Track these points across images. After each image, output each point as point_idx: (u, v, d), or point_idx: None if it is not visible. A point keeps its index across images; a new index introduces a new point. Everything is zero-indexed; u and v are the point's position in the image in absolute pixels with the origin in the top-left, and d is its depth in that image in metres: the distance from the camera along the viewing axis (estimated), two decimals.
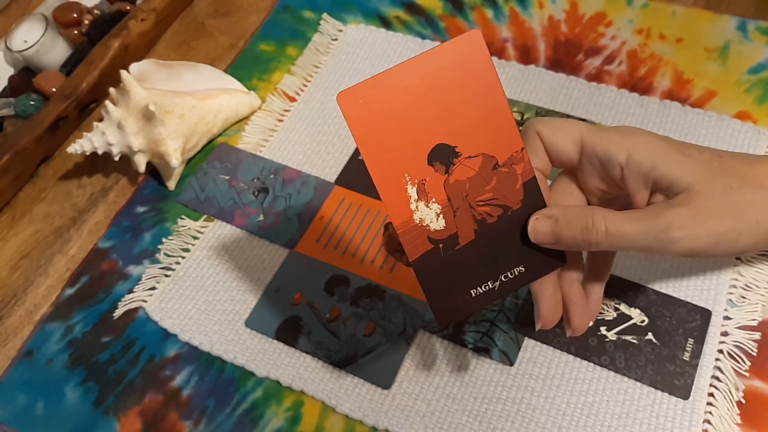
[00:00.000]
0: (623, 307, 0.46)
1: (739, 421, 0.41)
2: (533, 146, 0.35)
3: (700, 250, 0.32)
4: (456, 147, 0.32)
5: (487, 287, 0.34)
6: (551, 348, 0.45)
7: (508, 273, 0.34)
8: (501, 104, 0.31)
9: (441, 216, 0.33)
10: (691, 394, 0.42)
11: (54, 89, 0.60)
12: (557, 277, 0.36)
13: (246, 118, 0.61)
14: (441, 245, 0.33)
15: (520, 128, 0.34)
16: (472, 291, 0.34)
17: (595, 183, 0.35)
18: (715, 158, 0.33)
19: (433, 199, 0.32)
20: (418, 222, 0.32)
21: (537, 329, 0.36)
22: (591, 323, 0.42)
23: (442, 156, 0.32)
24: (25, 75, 0.64)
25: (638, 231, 0.32)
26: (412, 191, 0.32)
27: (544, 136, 0.35)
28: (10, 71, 0.66)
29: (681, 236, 0.31)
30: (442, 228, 0.33)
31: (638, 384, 0.43)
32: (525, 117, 0.56)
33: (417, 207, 0.32)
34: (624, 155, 0.33)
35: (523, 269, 0.34)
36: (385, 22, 0.65)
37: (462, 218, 0.33)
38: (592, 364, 0.44)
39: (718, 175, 0.32)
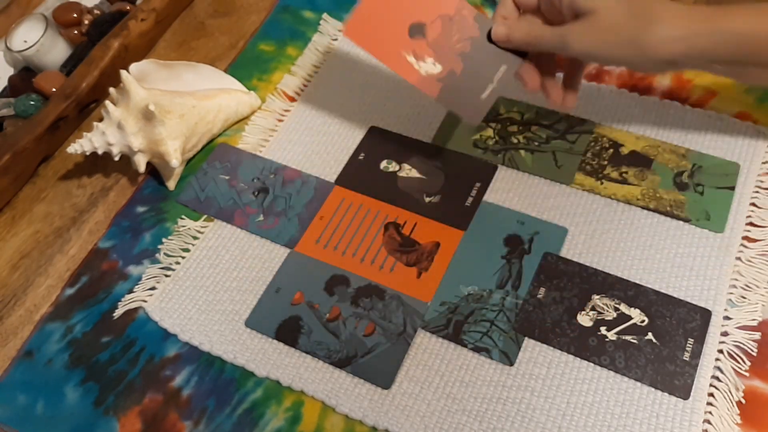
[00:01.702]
0: (623, 307, 0.46)
1: (739, 421, 0.41)
2: None
3: (587, 53, 0.44)
4: (422, 21, 0.47)
5: (490, 87, 0.47)
6: (551, 348, 0.45)
7: (496, 73, 0.47)
8: None
9: (436, 63, 0.48)
10: (691, 394, 0.42)
11: (54, 89, 0.60)
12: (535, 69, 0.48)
13: (246, 118, 0.61)
14: (446, 78, 0.48)
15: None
16: (480, 95, 0.47)
17: (546, 10, 0.46)
18: None
19: (425, 56, 0.47)
20: (425, 74, 0.47)
21: (528, 90, 0.47)
22: (571, 103, 0.49)
23: (417, 30, 0.47)
24: (25, 75, 0.64)
25: (549, 35, 0.45)
26: (412, 59, 0.48)
27: None
28: (10, 71, 0.66)
29: (572, 41, 0.43)
30: (441, 70, 0.48)
31: (638, 384, 0.43)
32: (525, 117, 0.56)
33: (419, 66, 0.47)
34: None
35: (505, 67, 0.47)
36: None
37: (449, 58, 0.47)
38: (592, 364, 0.44)
39: (622, 4, 0.42)
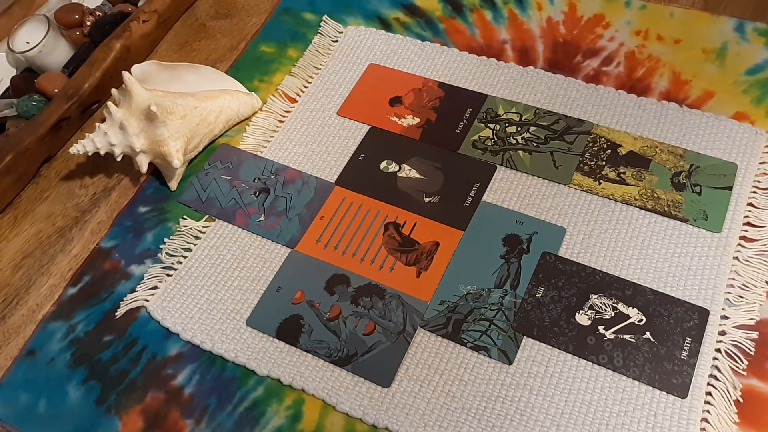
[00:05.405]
0: (621, 307, 0.46)
1: (737, 420, 0.42)
2: None
3: None
4: (398, 95, 0.60)
5: (461, 125, 0.57)
6: (550, 347, 0.45)
7: (464, 113, 0.58)
8: (407, 75, 0.62)
9: (415, 117, 0.58)
10: (689, 392, 0.42)
11: (56, 90, 0.60)
12: None
13: (247, 119, 0.61)
14: (425, 125, 0.58)
15: None
16: (455, 130, 0.57)
17: None
18: None
19: (405, 115, 0.59)
20: (407, 126, 0.58)
21: None
22: None
23: (395, 100, 0.60)
24: (28, 76, 0.64)
25: None
26: (394, 118, 0.58)
27: None
28: (13, 72, 0.66)
29: None
30: (419, 121, 0.58)
31: (636, 383, 0.43)
32: (524, 117, 0.56)
33: (401, 122, 0.58)
34: None
35: (470, 110, 0.58)
36: (385, 24, 0.65)
37: (424, 112, 0.59)
38: (590, 363, 0.44)
39: None
